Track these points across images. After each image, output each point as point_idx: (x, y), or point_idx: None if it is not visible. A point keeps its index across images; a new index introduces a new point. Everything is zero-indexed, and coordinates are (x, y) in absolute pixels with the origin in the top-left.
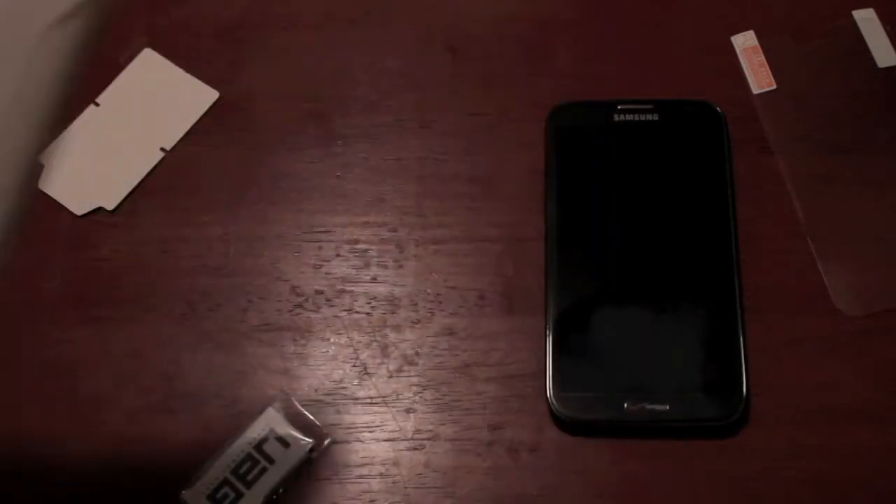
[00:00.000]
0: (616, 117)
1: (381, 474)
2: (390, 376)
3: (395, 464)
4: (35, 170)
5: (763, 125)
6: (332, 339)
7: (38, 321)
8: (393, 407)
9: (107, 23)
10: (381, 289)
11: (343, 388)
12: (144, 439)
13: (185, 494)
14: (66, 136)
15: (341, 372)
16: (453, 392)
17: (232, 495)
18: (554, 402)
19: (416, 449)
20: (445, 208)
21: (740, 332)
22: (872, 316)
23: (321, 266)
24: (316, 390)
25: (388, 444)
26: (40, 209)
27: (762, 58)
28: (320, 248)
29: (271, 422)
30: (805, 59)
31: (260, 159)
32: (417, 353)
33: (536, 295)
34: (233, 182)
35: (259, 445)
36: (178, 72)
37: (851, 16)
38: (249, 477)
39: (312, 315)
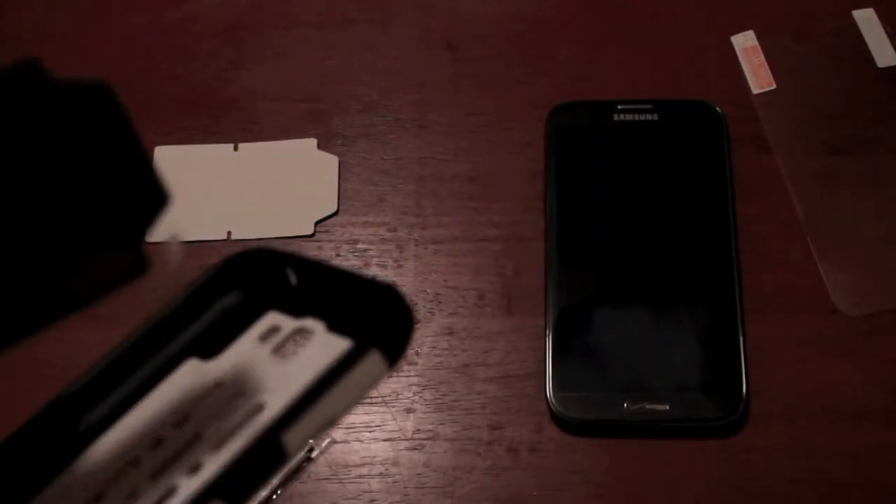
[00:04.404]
0: (615, 117)
1: (380, 474)
2: (390, 376)
3: (395, 463)
4: None
5: (763, 125)
6: None
7: None
8: (392, 407)
9: None
10: None
11: None
12: None
13: None
14: None
15: None
16: (453, 392)
17: None
18: (554, 402)
19: (415, 449)
20: (445, 208)
21: (740, 332)
22: (872, 316)
23: None
24: None
25: (387, 443)
26: None
27: (762, 58)
28: (320, 248)
29: None
30: (805, 59)
31: None
32: (417, 353)
33: (536, 295)
34: None
35: None
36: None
37: (851, 16)
38: None
39: None
